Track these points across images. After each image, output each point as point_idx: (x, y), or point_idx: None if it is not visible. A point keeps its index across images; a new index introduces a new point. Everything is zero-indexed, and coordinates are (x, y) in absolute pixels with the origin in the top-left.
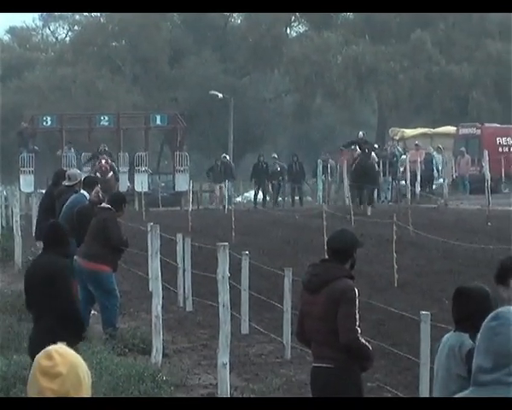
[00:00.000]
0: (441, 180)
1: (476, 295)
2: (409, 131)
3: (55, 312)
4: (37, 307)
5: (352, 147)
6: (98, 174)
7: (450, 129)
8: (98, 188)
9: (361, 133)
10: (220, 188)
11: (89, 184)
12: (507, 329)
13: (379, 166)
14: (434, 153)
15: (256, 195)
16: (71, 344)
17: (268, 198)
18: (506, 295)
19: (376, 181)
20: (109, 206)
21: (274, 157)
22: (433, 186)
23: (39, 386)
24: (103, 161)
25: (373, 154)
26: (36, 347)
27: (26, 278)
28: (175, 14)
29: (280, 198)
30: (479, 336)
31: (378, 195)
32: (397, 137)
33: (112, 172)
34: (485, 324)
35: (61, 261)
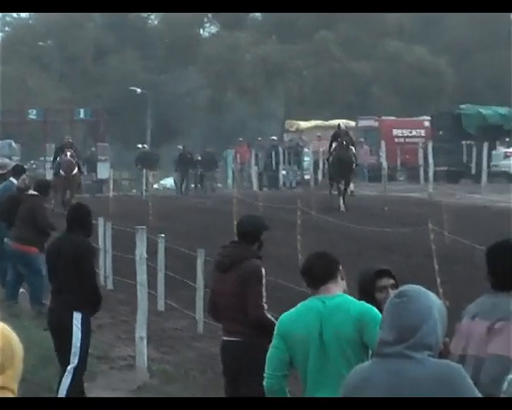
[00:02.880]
0: None
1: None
2: (304, 124)
3: (78, 286)
4: (60, 281)
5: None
6: (62, 172)
7: (342, 122)
8: (25, 176)
9: (342, 125)
10: (154, 175)
11: (17, 172)
12: (410, 306)
13: (290, 156)
14: None
15: (181, 183)
16: (90, 314)
17: (193, 185)
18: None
19: (351, 175)
20: (36, 192)
21: (179, 148)
22: None
23: None
24: (68, 158)
25: (352, 148)
26: (58, 318)
27: (49, 254)
28: (98, 15)
29: (198, 185)
30: (384, 311)
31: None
32: (293, 129)
33: (77, 169)
34: (390, 300)
35: (87, 241)
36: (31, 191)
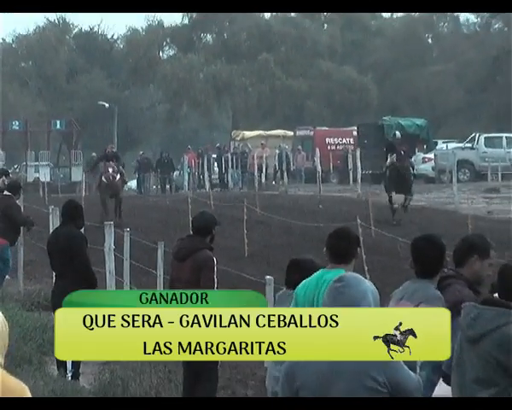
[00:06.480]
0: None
1: (305, 263)
2: (248, 133)
3: (74, 271)
4: (59, 268)
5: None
6: (104, 179)
7: (280, 132)
8: (4, 177)
9: (398, 133)
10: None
11: (1, 174)
12: (348, 289)
13: (237, 161)
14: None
15: (164, 185)
16: None
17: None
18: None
19: (410, 188)
20: (9, 193)
21: (140, 153)
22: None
23: None
24: (110, 170)
25: (410, 159)
26: (58, 299)
27: (49, 245)
28: (71, 39)
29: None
30: (325, 295)
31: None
32: (238, 138)
33: (119, 176)
34: (330, 285)
35: (78, 232)
36: (5, 192)
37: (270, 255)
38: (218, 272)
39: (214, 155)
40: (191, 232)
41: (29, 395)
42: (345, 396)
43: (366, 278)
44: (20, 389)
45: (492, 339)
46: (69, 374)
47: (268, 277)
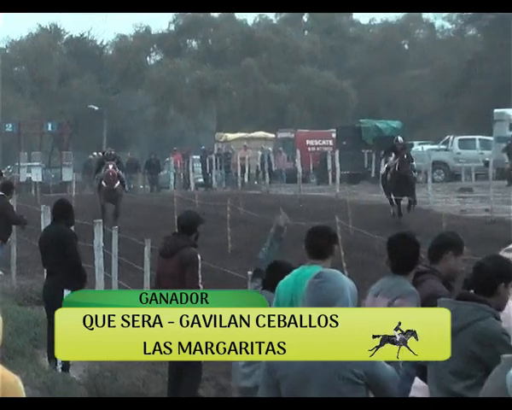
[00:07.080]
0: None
1: (284, 266)
2: (230, 135)
3: (65, 267)
4: (50, 264)
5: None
6: (104, 183)
7: (261, 134)
8: None
9: (400, 138)
10: None
11: None
12: (327, 285)
13: (221, 162)
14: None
15: (153, 184)
16: (77, 290)
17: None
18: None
19: (413, 192)
20: (2, 193)
21: (129, 156)
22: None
23: None
24: (111, 170)
25: (413, 164)
26: (50, 293)
27: (40, 242)
28: (62, 45)
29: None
30: (304, 290)
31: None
32: (221, 140)
33: (119, 182)
34: (309, 280)
35: (69, 230)
36: None
37: (253, 252)
38: (202, 269)
39: (195, 157)
40: (177, 230)
41: (21, 386)
42: (323, 387)
43: (344, 273)
44: (13, 380)
45: (469, 333)
46: (59, 366)
47: (250, 273)
